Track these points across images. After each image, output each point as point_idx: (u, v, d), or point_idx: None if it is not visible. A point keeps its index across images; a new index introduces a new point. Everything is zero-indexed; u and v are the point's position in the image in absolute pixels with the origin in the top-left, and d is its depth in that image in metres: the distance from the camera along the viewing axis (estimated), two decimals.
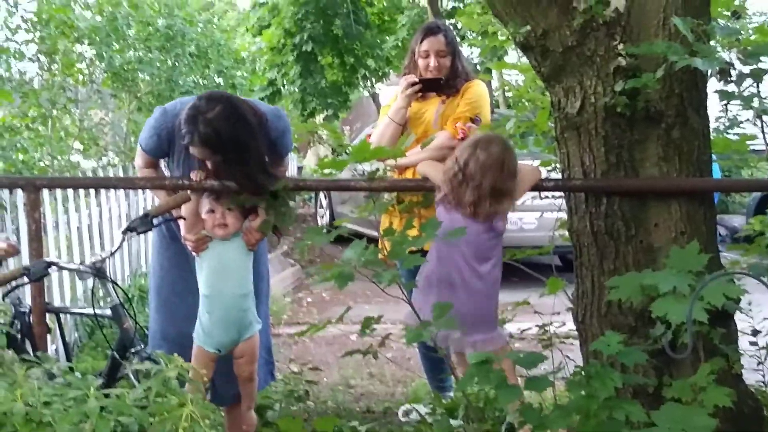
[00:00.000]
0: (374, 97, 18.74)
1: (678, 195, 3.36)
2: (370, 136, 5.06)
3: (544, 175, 3.84)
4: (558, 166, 3.72)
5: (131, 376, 3.49)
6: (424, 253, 3.87)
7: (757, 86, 3.28)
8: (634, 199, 3.39)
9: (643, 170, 3.38)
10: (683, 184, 3.38)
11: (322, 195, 13.89)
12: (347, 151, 4.24)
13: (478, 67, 17.27)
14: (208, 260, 3.78)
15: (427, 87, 4.73)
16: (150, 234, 4.01)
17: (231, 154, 3.63)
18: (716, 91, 3.26)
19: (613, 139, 3.36)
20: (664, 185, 3.38)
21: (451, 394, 5.10)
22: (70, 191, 6.54)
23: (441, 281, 3.65)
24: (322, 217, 13.88)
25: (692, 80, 3.33)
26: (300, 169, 19.91)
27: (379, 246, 3.93)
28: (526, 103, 5.50)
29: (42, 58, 9.61)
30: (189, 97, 3.89)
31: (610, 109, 3.31)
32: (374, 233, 4.84)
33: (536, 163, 4.01)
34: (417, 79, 4.69)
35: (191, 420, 2.04)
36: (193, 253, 3.80)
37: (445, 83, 4.74)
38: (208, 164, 3.74)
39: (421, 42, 4.76)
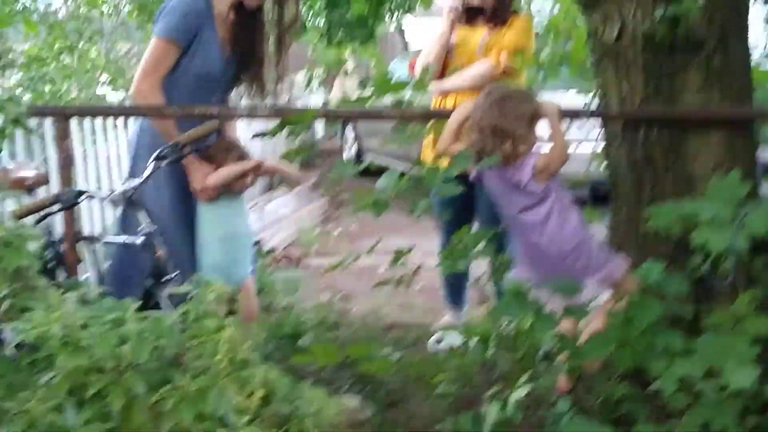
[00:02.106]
0: (401, 30, 18.49)
1: (718, 124, 3.29)
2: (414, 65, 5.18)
3: (580, 105, 3.78)
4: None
5: (165, 304, 3.49)
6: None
7: None
8: (672, 129, 3.32)
9: (683, 99, 3.30)
10: (723, 112, 3.30)
11: (348, 128, 13.78)
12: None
13: None
14: (222, 209, 3.98)
15: (471, 14, 4.80)
16: None
17: None
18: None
19: (652, 68, 3.28)
20: (704, 114, 3.30)
21: (464, 311, 5.21)
22: (98, 123, 6.52)
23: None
24: (349, 150, 13.80)
25: (734, 7, 3.25)
26: (325, 104, 19.77)
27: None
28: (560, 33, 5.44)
29: None
30: None
31: (649, 37, 3.23)
32: (403, 166, 4.87)
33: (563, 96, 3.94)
34: (459, 4, 4.78)
35: (230, 344, 2.03)
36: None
37: (492, 13, 4.77)
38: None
39: None
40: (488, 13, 4.77)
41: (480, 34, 4.80)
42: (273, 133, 3.71)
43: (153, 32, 4.01)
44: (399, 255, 3.61)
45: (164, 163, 3.69)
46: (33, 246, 2.56)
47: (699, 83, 3.26)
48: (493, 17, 4.77)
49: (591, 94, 3.92)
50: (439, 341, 4.92)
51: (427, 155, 4.70)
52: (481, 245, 3.41)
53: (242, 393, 2.01)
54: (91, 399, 1.99)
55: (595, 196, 6.52)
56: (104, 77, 9.27)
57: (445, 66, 4.82)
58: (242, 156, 4.06)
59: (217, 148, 4.04)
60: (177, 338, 2.08)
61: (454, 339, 4.59)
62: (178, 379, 2.06)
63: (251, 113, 3.89)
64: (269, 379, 2.02)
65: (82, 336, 1.97)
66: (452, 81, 4.71)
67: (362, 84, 3.74)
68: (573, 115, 3.65)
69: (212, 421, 1.99)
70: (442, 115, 4.13)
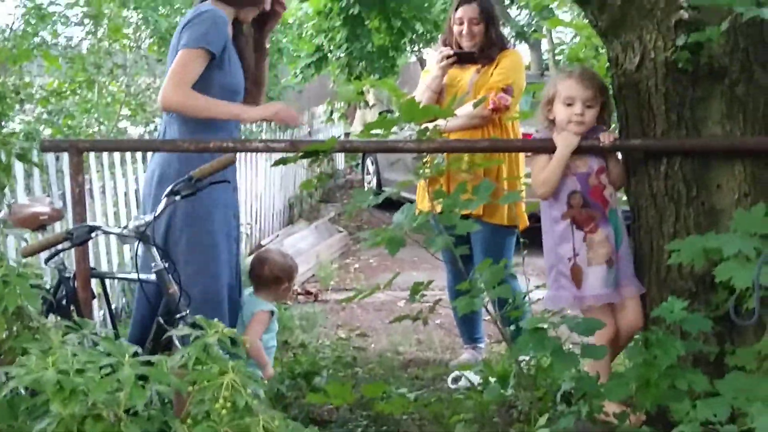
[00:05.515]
0: (422, 62, 18.53)
1: (742, 155, 3.20)
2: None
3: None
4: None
5: (176, 343, 3.41)
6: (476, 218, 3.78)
7: None
8: (695, 160, 3.23)
9: (706, 129, 3.23)
10: (748, 143, 3.21)
11: (369, 161, 13.77)
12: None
13: (526, 28, 16.91)
14: None
15: (462, 59, 4.87)
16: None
17: None
18: None
19: (674, 97, 3.22)
20: (728, 144, 3.22)
21: (482, 345, 5.17)
22: (117, 157, 6.49)
23: None
24: (369, 183, 13.75)
25: (758, 34, 3.18)
26: (347, 135, 19.78)
27: (422, 208, 3.86)
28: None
29: (87, 21, 9.52)
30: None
31: (671, 65, 3.17)
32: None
33: None
34: (452, 52, 4.84)
35: (232, 389, 1.95)
36: None
37: (480, 52, 4.87)
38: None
39: (456, 9, 4.90)
40: (476, 54, 4.86)
41: (469, 73, 4.89)
42: (293, 161, 3.67)
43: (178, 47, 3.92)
44: (417, 288, 3.53)
45: (177, 198, 3.63)
46: (36, 285, 2.50)
47: (722, 112, 3.19)
48: (481, 57, 4.86)
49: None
50: (457, 379, 4.83)
51: (422, 199, 4.70)
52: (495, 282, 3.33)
53: None
54: None
55: None
56: (125, 111, 9.26)
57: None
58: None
59: (282, 274, 4.30)
60: (177, 383, 2.00)
61: (473, 377, 4.50)
62: (177, 427, 1.98)
63: (268, 147, 3.83)
64: (272, 427, 1.94)
65: (77, 381, 1.90)
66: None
67: (383, 116, 3.67)
68: (591, 149, 3.57)
69: None
70: (460, 149, 4.09)
